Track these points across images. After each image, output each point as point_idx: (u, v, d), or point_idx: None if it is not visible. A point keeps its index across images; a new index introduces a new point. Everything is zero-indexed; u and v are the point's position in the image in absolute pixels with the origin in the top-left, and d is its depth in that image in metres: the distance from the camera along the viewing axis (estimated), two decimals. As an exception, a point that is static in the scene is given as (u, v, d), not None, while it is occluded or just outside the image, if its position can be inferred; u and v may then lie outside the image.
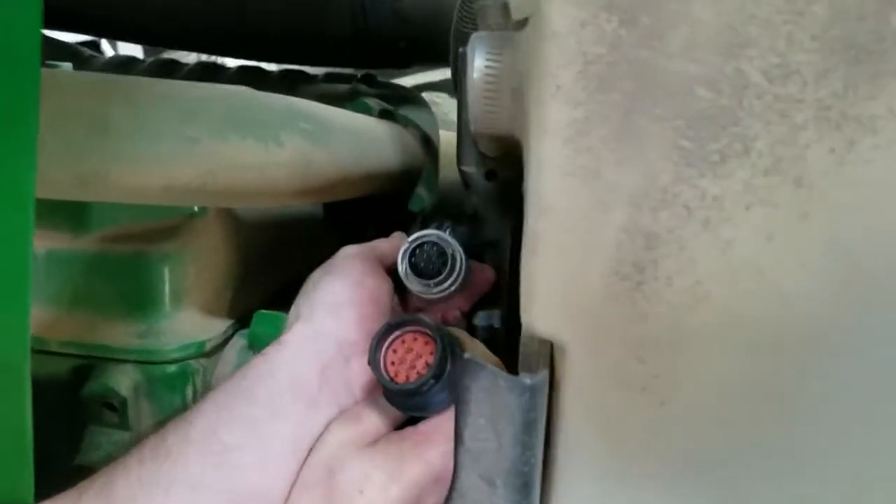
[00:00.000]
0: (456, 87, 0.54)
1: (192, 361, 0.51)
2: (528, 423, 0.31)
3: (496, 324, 0.47)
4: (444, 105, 1.15)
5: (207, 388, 0.52)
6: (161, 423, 0.40)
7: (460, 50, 0.43)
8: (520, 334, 0.32)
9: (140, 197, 0.38)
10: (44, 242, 0.53)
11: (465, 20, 0.49)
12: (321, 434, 0.35)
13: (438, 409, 0.34)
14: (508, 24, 0.36)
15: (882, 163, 0.24)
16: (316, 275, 0.40)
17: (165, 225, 0.54)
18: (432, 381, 0.33)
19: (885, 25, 0.23)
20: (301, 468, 0.34)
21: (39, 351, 0.51)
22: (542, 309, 0.30)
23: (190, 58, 1.16)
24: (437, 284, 0.42)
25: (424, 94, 0.90)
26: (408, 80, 1.12)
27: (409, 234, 0.43)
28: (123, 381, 0.50)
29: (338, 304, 0.38)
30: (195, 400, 0.51)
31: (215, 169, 0.38)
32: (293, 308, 0.40)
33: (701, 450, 0.31)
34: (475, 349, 0.35)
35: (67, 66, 0.58)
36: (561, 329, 0.30)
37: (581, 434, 0.32)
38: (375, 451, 0.34)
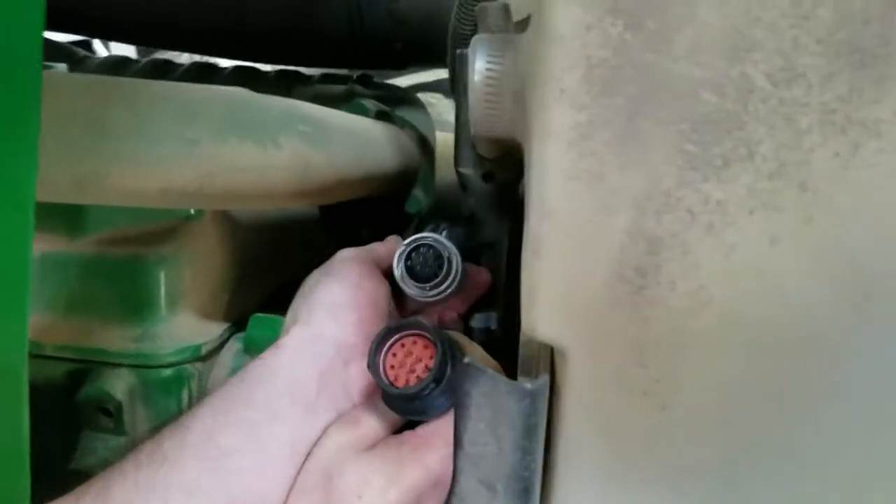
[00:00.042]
0: (453, 88, 0.53)
1: (188, 365, 0.51)
2: (528, 428, 0.31)
3: (493, 326, 0.47)
4: (439, 106, 1.15)
5: (203, 392, 0.52)
6: (157, 428, 0.40)
7: (459, 52, 0.43)
8: (517, 337, 0.32)
9: (138, 200, 0.37)
10: (39, 245, 0.52)
11: (463, 21, 0.49)
12: (319, 438, 0.35)
13: (437, 413, 0.34)
14: (509, 26, 0.36)
15: (886, 166, 0.24)
16: (313, 277, 0.40)
17: (161, 228, 0.53)
18: (432, 386, 0.33)
19: (890, 29, 0.23)
20: (299, 472, 0.34)
21: (35, 355, 0.50)
22: (543, 312, 0.30)
23: (183, 58, 1.15)
24: (433, 287, 0.42)
25: (420, 95, 0.90)
26: (403, 81, 1.12)
27: (405, 237, 0.43)
28: (119, 385, 0.49)
29: (336, 306, 0.38)
30: (191, 404, 0.51)
31: (214, 171, 0.38)
32: (290, 311, 0.39)
33: (702, 452, 0.31)
34: (475, 353, 0.35)
35: (62, 66, 0.58)
36: (562, 333, 0.30)
37: (582, 438, 0.32)
38: (374, 456, 0.34)
